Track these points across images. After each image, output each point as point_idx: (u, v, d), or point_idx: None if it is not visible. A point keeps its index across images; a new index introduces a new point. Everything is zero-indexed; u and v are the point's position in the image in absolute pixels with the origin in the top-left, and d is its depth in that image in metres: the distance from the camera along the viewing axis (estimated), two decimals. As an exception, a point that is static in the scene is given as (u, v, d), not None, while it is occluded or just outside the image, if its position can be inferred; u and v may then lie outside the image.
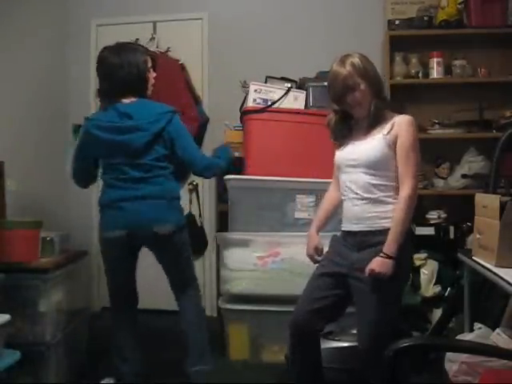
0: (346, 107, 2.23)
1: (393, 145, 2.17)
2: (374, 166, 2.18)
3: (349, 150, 2.27)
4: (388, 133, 2.17)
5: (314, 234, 2.39)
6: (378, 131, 2.20)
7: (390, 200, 2.18)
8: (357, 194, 2.21)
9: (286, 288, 3.09)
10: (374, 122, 2.20)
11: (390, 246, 2.11)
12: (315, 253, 2.37)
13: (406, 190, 2.13)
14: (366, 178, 2.19)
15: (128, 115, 2.60)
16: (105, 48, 2.78)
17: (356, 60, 2.18)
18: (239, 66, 4.08)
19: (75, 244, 3.36)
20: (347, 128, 2.30)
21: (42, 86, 3.94)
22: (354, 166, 2.23)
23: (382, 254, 2.11)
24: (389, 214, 2.17)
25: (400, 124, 2.17)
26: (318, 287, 2.29)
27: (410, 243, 2.25)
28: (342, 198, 2.32)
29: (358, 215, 2.21)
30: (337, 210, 2.42)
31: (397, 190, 2.18)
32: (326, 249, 2.38)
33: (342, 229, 2.31)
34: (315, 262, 2.38)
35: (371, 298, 2.15)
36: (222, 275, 3.31)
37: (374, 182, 2.18)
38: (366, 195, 2.20)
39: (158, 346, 3.36)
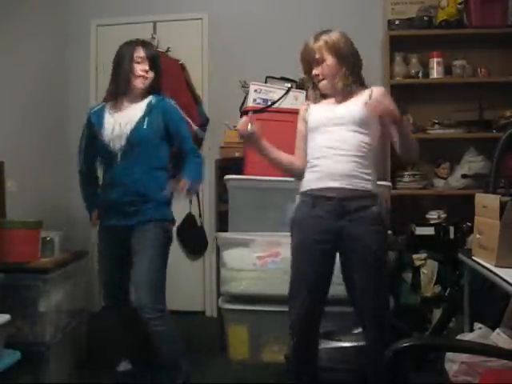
0: (314, 80, 2.29)
1: None
2: (362, 124, 2.20)
3: (330, 110, 2.26)
4: (369, 99, 2.19)
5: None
6: (355, 99, 2.24)
7: (369, 164, 2.23)
8: (345, 150, 2.19)
9: (286, 288, 3.06)
10: (347, 92, 2.25)
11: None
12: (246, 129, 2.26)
13: None
14: (357, 135, 2.20)
15: None
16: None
17: (329, 37, 2.22)
18: (239, 66, 4.08)
19: (75, 244, 3.36)
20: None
21: (42, 85, 3.94)
22: (341, 124, 2.22)
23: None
24: (370, 178, 2.22)
25: (378, 90, 2.23)
26: (307, 272, 2.32)
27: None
28: (315, 159, 2.26)
29: (344, 172, 2.18)
30: (290, 169, 2.40)
31: (375, 160, 2.25)
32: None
33: (315, 188, 2.24)
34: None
35: (370, 261, 2.19)
36: (221, 275, 3.31)
37: (365, 139, 2.20)
38: (356, 153, 2.20)
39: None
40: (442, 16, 3.75)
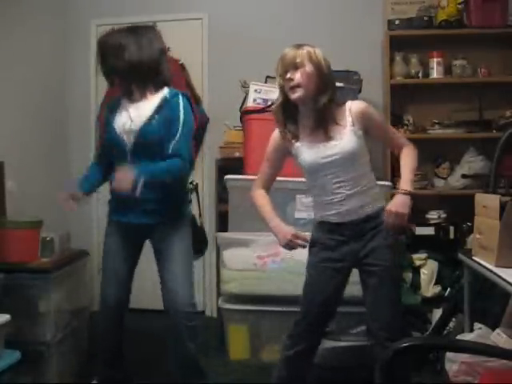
0: (287, 86, 2.17)
1: (360, 132, 2.19)
2: (355, 160, 2.20)
3: (322, 151, 2.20)
4: (353, 124, 2.18)
5: (284, 225, 2.36)
6: (338, 124, 2.19)
7: (373, 184, 2.28)
8: (351, 186, 2.20)
9: (285, 288, 3.08)
10: (324, 116, 2.18)
11: (408, 183, 2.16)
12: (294, 238, 2.28)
13: (408, 143, 2.27)
14: (351, 172, 2.19)
15: None
16: None
17: (311, 48, 2.23)
18: (239, 66, 4.08)
19: (75, 244, 3.36)
20: (293, 122, 2.26)
21: (42, 85, 3.93)
22: (335, 165, 2.19)
23: (401, 191, 2.14)
24: (376, 196, 2.26)
25: (361, 112, 2.20)
26: (326, 297, 2.29)
27: None
28: (322, 196, 2.27)
29: (357, 205, 2.21)
30: None
31: (371, 171, 2.29)
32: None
33: (331, 221, 2.25)
34: (293, 247, 2.33)
35: (388, 280, 2.22)
36: (221, 275, 3.31)
37: (359, 173, 2.22)
38: (360, 181, 2.21)
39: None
40: (442, 16, 3.75)
